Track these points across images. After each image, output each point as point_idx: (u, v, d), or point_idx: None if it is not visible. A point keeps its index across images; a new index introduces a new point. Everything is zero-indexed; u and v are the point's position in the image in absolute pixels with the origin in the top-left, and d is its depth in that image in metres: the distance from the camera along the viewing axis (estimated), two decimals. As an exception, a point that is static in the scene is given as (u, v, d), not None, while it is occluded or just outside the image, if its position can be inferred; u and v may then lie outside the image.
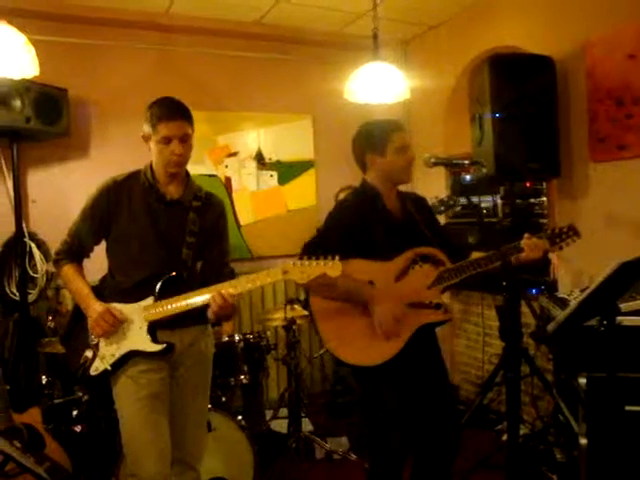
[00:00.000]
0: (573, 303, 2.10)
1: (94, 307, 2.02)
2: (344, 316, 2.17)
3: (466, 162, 2.08)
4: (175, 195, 2.12)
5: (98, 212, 2.10)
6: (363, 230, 2.18)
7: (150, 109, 2.06)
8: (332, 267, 1.83)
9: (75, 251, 2.15)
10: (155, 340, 2.02)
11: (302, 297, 3.88)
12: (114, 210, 2.08)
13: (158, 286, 2.02)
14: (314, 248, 2.18)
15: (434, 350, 2.33)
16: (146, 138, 2.07)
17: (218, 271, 2.16)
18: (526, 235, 2.14)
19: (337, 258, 1.84)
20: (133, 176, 2.14)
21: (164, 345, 2.01)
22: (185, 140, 2.04)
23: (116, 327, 2.01)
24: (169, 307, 1.99)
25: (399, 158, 2.22)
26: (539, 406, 3.33)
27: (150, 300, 2.02)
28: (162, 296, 2.01)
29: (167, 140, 2.01)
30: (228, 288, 1.95)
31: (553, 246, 2.16)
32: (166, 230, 2.09)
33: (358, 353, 2.14)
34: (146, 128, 2.06)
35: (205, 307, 2.04)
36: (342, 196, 3.88)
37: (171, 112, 2.02)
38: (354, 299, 2.17)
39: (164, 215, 2.10)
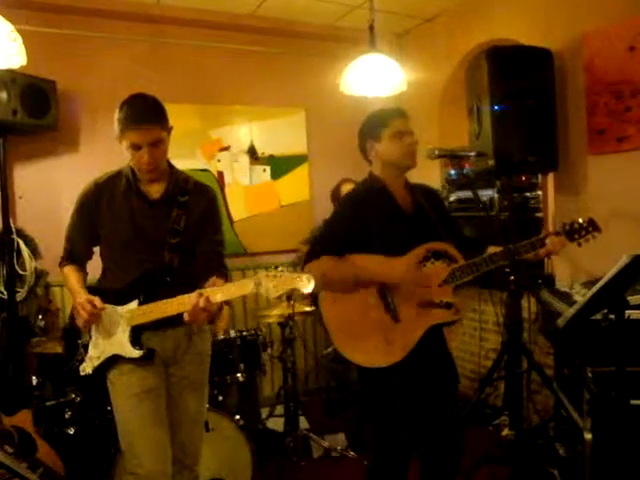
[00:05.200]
0: (584, 297, 2.07)
1: (76, 298, 2.00)
2: (354, 315, 2.11)
3: (471, 154, 2.05)
4: (158, 194, 2.05)
5: (84, 217, 2.07)
6: (370, 224, 2.12)
7: (119, 111, 1.93)
8: (304, 282, 1.76)
9: (73, 255, 2.13)
10: (135, 345, 1.97)
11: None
12: (97, 213, 2.04)
13: (142, 291, 1.98)
14: (318, 241, 2.13)
15: (442, 349, 2.28)
16: (119, 140, 1.97)
17: (209, 263, 2.09)
18: (550, 231, 2.09)
19: (311, 273, 1.79)
20: (114, 177, 2.07)
21: (143, 351, 1.97)
22: (156, 145, 1.93)
23: (96, 317, 1.96)
24: (150, 313, 1.95)
25: (396, 144, 2.16)
26: (535, 401, 3.32)
27: (134, 304, 1.98)
28: (147, 300, 1.97)
29: (135, 147, 1.92)
30: (201, 299, 1.85)
31: (572, 242, 2.10)
32: (149, 231, 2.03)
33: (367, 354, 2.09)
34: (116, 130, 1.95)
35: None
36: (344, 189, 3.86)
37: (138, 117, 1.90)
38: (368, 283, 2.10)
39: (147, 215, 2.03)
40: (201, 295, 1.85)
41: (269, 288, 1.77)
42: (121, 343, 1.98)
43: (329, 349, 3.87)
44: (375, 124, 2.22)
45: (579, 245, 2.12)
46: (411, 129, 2.22)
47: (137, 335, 1.98)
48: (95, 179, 2.08)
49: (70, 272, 2.11)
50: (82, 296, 1.99)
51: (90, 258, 2.16)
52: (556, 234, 2.11)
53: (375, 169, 2.25)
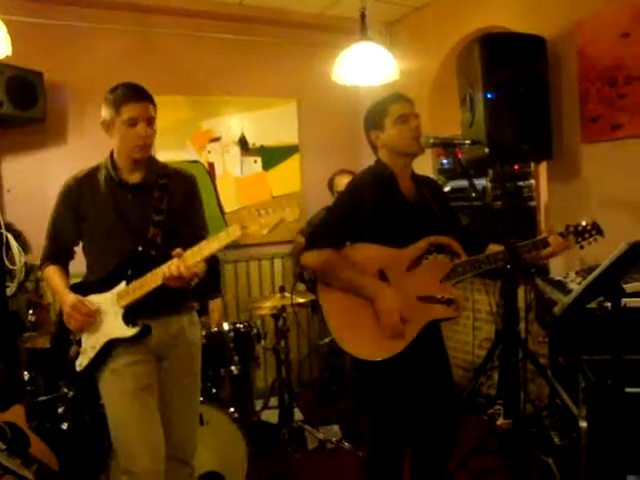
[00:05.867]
0: (581, 285, 2.06)
1: (66, 300, 1.98)
2: (353, 305, 2.08)
3: (467, 142, 2.03)
4: (138, 179, 2.06)
5: (69, 211, 2.06)
6: (375, 212, 2.09)
7: (112, 92, 1.99)
8: (288, 211, 1.75)
9: (55, 254, 2.12)
10: (130, 324, 1.95)
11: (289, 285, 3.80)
12: (81, 206, 2.04)
13: (129, 267, 1.97)
14: (320, 229, 2.10)
15: (438, 343, 2.27)
16: (107, 124, 2.00)
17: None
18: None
19: (294, 204, 1.77)
20: (93, 171, 2.08)
21: (139, 328, 1.94)
22: (150, 123, 1.99)
23: (91, 317, 1.96)
24: (141, 287, 1.93)
25: (399, 129, 2.14)
26: (529, 390, 3.33)
27: (122, 285, 1.96)
28: (134, 276, 1.95)
29: (133, 122, 1.95)
30: (190, 257, 1.84)
31: (575, 244, 2.10)
32: (133, 217, 2.04)
33: (365, 346, 2.06)
34: (107, 113, 1.98)
35: (187, 294, 2.06)
36: (337, 179, 3.82)
37: (136, 93, 1.98)
38: (359, 293, 2.08)
39: (130, 202, 2.04)
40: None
41: (257, 227, 1.75)
42: (115, 326, 1.96)
43: (326, 339, 3.85)
44: (376, 114, 2.20)
45: (581, 247, 2.11)
46: (415, 111, 2.20)
47: (130, 315, 1.96)
48: (73, 175, 2.09)
49: (53, 272, 2.09)
50: (70, 298, 1.97)
51: (73, 257, 2.15)
52: (561, 234, 2.10)
53: (383, 158, 2.22)
